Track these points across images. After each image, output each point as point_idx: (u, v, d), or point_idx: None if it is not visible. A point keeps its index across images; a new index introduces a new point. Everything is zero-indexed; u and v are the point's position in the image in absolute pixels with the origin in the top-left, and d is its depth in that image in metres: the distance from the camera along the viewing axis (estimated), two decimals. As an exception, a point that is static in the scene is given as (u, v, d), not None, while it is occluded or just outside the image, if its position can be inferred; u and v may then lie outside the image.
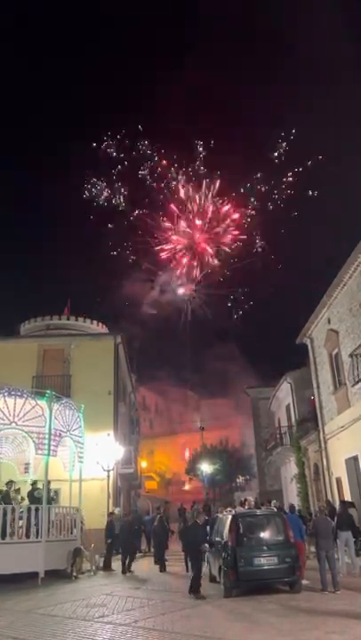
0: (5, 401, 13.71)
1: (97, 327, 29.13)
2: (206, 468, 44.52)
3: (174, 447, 67.91)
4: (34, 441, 14.03)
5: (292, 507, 13.97)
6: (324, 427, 20.56)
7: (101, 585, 12.76)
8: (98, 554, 15.66)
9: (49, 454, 14.05)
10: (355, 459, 17.20)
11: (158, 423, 79.32)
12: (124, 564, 14.56)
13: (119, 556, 15.38)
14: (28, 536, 13.06)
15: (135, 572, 14.47)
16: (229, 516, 11.22)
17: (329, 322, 19.50)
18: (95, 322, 29.58)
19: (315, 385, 21.70)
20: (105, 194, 32.48)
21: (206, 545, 11.32)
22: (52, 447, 14.08)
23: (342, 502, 15.21)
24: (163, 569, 14.66)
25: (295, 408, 25.81)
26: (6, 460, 17.51)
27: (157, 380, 73.47)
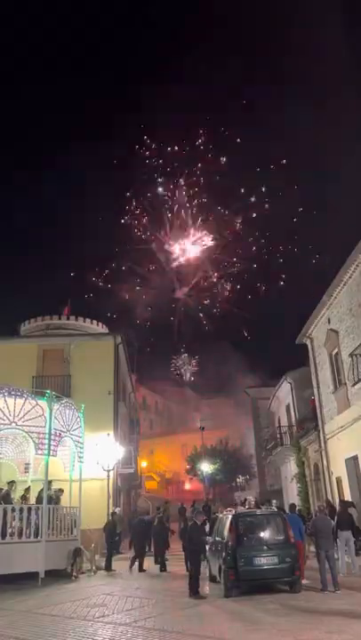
0: (5, 401, 13.72)
1: (97, 327, 29.14)
2: (206, 467, 44.43)
3: (174, 447, 67.77)
4: (34, 441, 14.03)
5: (292, 506, 13.97)
6: (324, 426, 20.56)
7: (101, 585, 12.76)
8: (98, 554, 15.67)
9: (49, 454, 14.05)
10: (355, 458, 17.21)
11: (158, 423, 79.29)
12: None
13: (119, 556, 15.41)
14: (37, 535, 13.15)
15: (136, 572, 14.47)
16: (229, 516, 11.23)
17: (329, 322, 19.50)
18: (95, 322, 29.59)
19: (315, 385, 21.70)
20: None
21: (209, 537, 11.33)
22: (52, 447, 14.08)
23: (342, 502, 15.23)
24: (163, 569, 14.67)
25: (295, 408, 25.83)
26: (6, 460, 17.52)
27: (157, 379, 73.54)
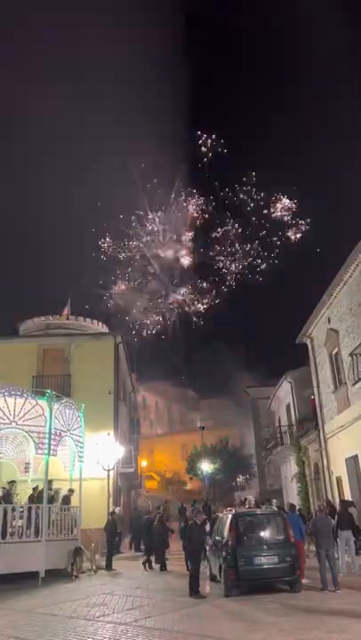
0: (5, 401, 13.73)
1: (97, 327, 29.09)
2: (206, 467, 44.44)
3: (174, 446, 67.86)
4: (34, 441, 14.04)
5: (292, 506, 13.96)
6: (324, 426, 20.56)
7: (102, 584, 12.76)
8: (98, 553, 15.68)
9: (49, 454, 14.06)
10: (355, 458, 17.21)
11: (158, 423, 79.35)
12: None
13: (119, 555, 15.42)
14: (37, 534, 13.20)
15: (136, 572, 14.48)
16: (229, 516, 11.23)
17: (329, 321, 19.50)
18: (95, 321, 29.54)
19: (315, 384, 21.70)
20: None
21: (208, 538, 11.35)
22: (52, 447, 14.10)
23: (342, 501, 15.21)
24: (163, 568, 14.67)
25: (295, 407, 25.84)
26: (6, 460, 17.53)
27: (157, 379, 73.52)
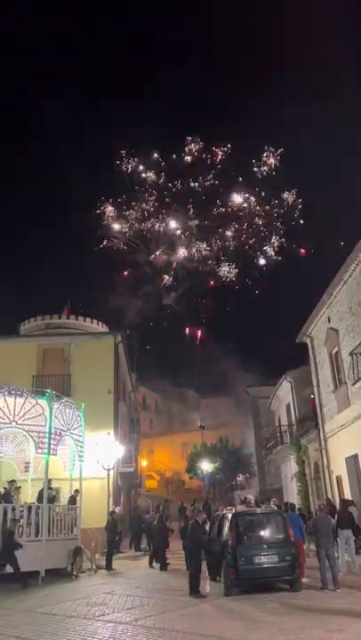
0: (5, 400, 13.73)
1: (97, 326, 29.08)
2: (206, 466, 44.51)
3: (174, 446, 67.87)
4: (34, 440, 14.05)
5: (292, 505, 13.95)
6: (324, 425, 20.57)
7: (102, 584, 12.77)
8: (98, 553, 15.69)
9: (49, 453, 14.06)
10: (355, 457, 17.21)
11: (158, 422, 79.35)
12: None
13: (119, 555, 15.43)
14: (37, 534, 13.26)
15: (136, 571, 14.49)
16: (229, 515, 11.24)
17: (329, 320, 19.50)
18: (95, 321, 29.53)
19: (315, 384, 21.70)
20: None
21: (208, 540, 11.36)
22: (52, 446, 14.10)
23: (342, 501, 15.22)
24: (163, 567, 14.69)
25: (295, 407, 25.85)
26: (6, 460, 17.53)
27: (157, 379, 73.57)
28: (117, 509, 18.06)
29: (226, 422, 60.46)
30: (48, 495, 14.33)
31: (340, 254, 16.91)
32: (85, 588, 12.22)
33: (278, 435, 27.76)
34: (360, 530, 14.10)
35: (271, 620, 7.92)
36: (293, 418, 26.24)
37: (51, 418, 14.19)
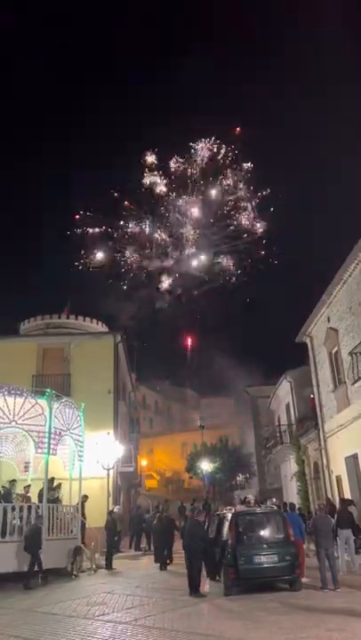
0: (5, 400, 13.72)
1: (97, 326, 29.07)
2: (206, 466, 44.50)
3: (174, 446, 67.86)
4: (34, 440, 14.04)
5: (291, 505, 13.96)
6: (323, 425, 20.58)
7: (102, 583, 12.76)
8: (98, 552, 15.69)
9: (49, 453, 14.06)
10: (354, 457, 17.23)
11: (158, 422, 79.33)
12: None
13: (119, 554, 15.43)
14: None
15: (136, 571, 14.49)
16: (229, 515, 11.24)
17: (329, 320, 19.51)
18: (95, 320, 29.53)
19: (314, 383, 21.71)
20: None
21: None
22: (52, 446, 14.09)
23: (342, 500, 15.23)
24: (163, 567, 14.69)
25: (295, 406, 25.85)
26: (6, 459, 17.52)
27: (157, 378, 73.59)
28: (117, 509, 18.05)
29: (226, 422, 60.53)
30: (51, 496, 14.35)
31: (340, 254, 16.93)
32: (85, 587, 12.22)
33: (278, 434, 27.77)
34: (360, 529, 14.12)
35: (271, 620, 7.93)
36: (293, 417, 26.25)
37: (50, 417, 14.19)
